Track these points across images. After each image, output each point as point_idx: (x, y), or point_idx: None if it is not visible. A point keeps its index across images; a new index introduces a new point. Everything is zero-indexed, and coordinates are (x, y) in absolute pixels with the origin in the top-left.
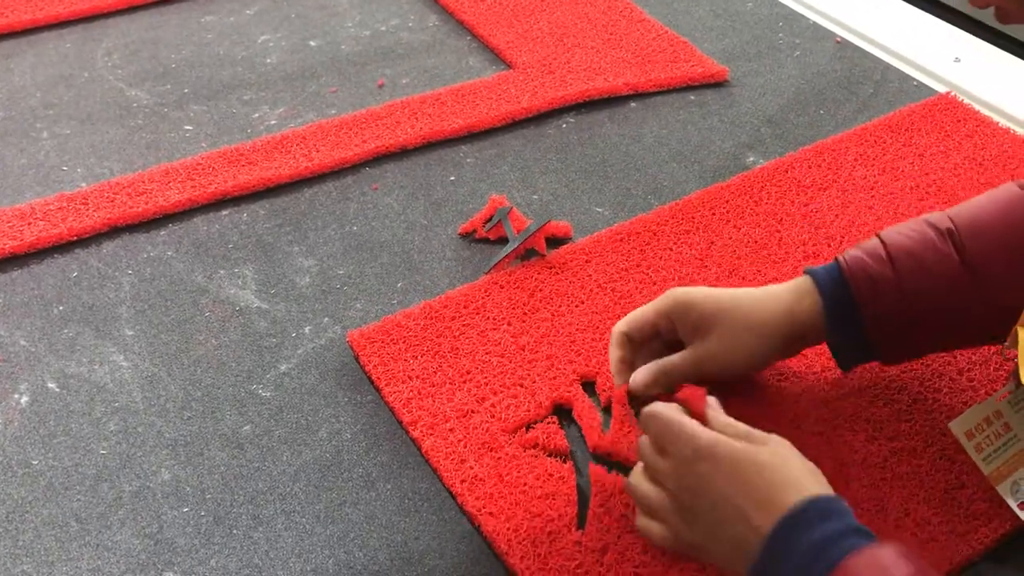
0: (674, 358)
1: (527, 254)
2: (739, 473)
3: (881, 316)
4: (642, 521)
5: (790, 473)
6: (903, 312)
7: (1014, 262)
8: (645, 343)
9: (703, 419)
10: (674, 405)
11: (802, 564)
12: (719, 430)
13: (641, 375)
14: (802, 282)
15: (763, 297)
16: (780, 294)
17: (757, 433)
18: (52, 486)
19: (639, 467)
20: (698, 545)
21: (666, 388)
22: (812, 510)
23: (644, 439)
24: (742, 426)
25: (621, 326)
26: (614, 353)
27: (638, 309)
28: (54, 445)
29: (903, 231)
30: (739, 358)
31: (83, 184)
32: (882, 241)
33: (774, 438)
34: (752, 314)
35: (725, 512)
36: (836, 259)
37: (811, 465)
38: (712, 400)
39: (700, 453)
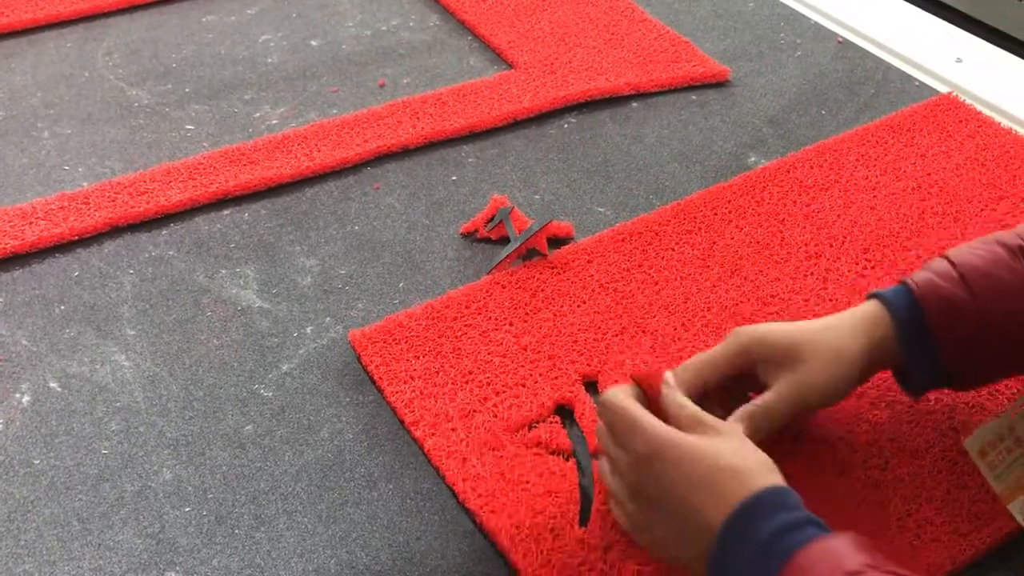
0: (768, 398)
1: (529, 254)
2: (691, 469)
3: (959, 340)
4: (613, 509)
5: (743, 465)
6: (982, 337)
7: None
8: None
9: (658, 399)
10: (628, 389)
11: (756, 555)
12: (672, 413)
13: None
14: (871, 308)
15: (838, 326)
16: (854, 322)
17: (709, 420)
18: (54, 486)
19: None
20: (660, 542)
21: (767, 435)
22: (764, 501)
23: (602, 427)
24: (694, 410)
25: (693, 376)
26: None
27: (696, 359)
28: (56, 445)
29: (973, 251)
30: (837, 385)
31: (84, 183)
32: (951, 262)
33: (726, 426)
34: (836, 342)
35: (680, 509)
36: (903, 281)
37: (764, 456)
38: (668, 376)
39: (653, 452)
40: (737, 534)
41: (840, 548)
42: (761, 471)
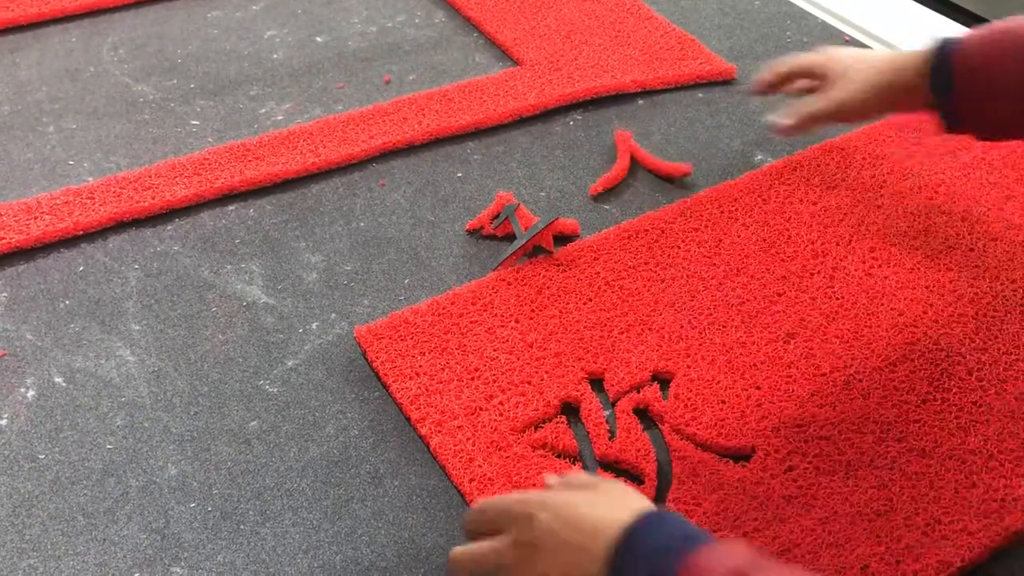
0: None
1: (534, 251)
2: (573, 511)
3: (970, 76)
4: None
5: (621, 496)
6: (983, 85)
7: None
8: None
9: None
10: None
11: (649, 569)
12: None
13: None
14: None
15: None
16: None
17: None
18: (59, 480)
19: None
20: None
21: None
22: (649, 520)
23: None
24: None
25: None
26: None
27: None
28: (60, 440)
29: None
30: (865, 94)
31: (89, 178)
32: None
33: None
34: (872, 65)
35: (567, 555)
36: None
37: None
38: None
39: (535, 507)
40: (625, 558)
41: (736, 551)
42: (643, 501)
